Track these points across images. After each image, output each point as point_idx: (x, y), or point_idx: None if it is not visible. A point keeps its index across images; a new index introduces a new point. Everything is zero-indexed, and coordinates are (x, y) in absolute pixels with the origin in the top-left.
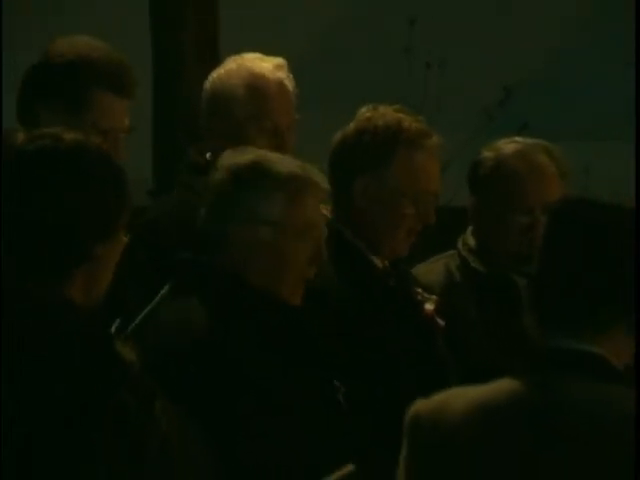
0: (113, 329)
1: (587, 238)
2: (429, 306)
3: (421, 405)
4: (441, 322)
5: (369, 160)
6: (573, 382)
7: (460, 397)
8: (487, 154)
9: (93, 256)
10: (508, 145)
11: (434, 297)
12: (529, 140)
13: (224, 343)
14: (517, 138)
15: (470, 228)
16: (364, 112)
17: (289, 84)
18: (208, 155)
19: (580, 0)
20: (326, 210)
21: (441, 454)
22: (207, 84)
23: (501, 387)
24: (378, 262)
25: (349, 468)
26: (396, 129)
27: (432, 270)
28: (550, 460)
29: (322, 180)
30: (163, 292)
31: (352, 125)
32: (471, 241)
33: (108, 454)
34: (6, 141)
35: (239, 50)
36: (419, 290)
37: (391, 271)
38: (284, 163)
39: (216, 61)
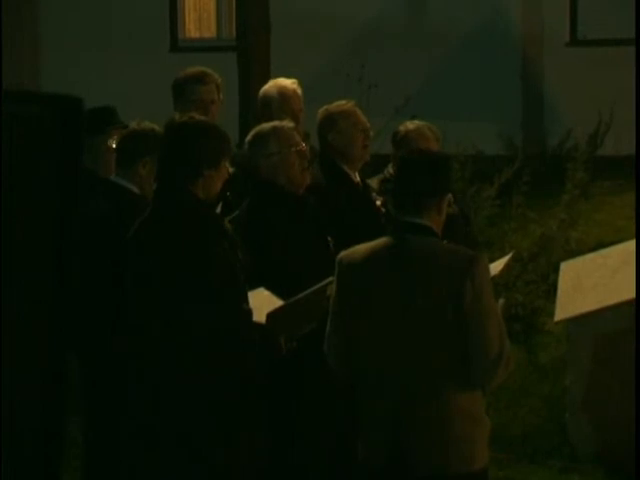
0: (218, 210)
1: (418, 164)
2: (378, 202)
3: (343, 253)
4: (383, 210)
5: (338, 125)
6: (413, 238)
7: (362, 247)
8: (401, 128)
9: (205, 175)
10: (410, 124)
11: (381, 198)
12: (420, 122)
13: (266, 211)
14: (414, 120)
15: (390, 163)
16: (337, 102)
17: (299, 91)
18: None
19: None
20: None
21: (351, 279)
22: (260, 92)
23: (379, 241)
24: (354, 177)
25: (330, 279)
26: (352, 110)
27: (373, 182)
28: (403, 279)
29: (300, 138)
30: (247, 200)
31: (332, 106)
32: (391, 170)
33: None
34: (170, 119)
35: (277, 76)
36: (374, 194)
37: (360, 182)
38: (284, 128)
39: (266, 79)
